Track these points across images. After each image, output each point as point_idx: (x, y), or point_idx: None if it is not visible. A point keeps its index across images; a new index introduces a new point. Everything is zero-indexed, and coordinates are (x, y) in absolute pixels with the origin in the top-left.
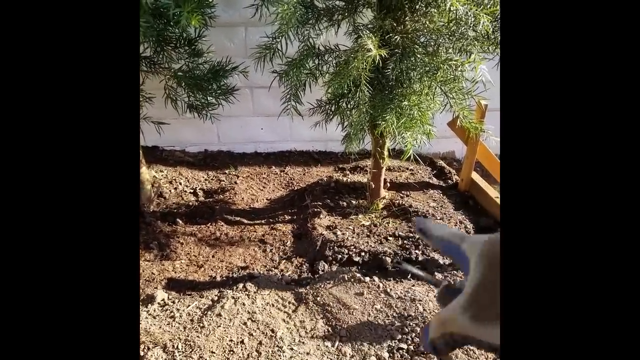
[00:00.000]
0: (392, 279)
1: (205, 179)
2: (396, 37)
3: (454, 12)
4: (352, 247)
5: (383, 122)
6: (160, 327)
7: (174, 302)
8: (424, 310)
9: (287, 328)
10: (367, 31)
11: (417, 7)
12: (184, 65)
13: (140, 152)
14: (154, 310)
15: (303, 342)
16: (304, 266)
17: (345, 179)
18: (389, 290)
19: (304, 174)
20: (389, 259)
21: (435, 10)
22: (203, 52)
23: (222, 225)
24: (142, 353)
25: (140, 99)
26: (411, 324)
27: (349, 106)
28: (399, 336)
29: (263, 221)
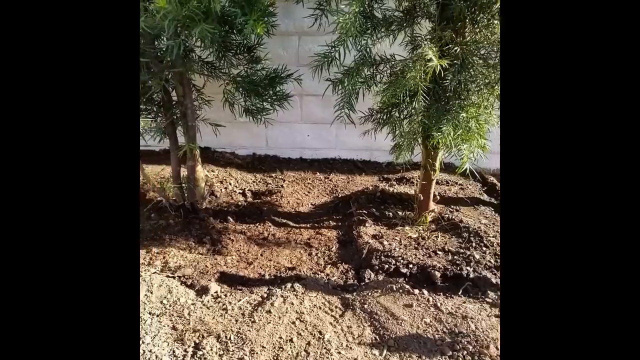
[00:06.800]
0: (442, 293)
1: (254, 181)
2: (456, 48)
3: None
4: (400, 258)
5: (438, 133)
6: (213, 318)
7: (226, 295)
8: (476, 328)
9: (334, 332)
10: (427, 41)
11: (479, 18)
12: (243, 71)
13: (198, 151)
14: (208, 301)
15: (351, 348)
16: (350, 273)
17: (391, 189)
18: (439, 304)
19: (348, 182)
20: (438, 274)
21: (498, 22)
22: (261, 59)
23: (269, 226)
24: (197, 341)
25: (200, 102)
26: (463, 341)
27: (401, 116)
28: (450, 352)
29: (308, 225)
